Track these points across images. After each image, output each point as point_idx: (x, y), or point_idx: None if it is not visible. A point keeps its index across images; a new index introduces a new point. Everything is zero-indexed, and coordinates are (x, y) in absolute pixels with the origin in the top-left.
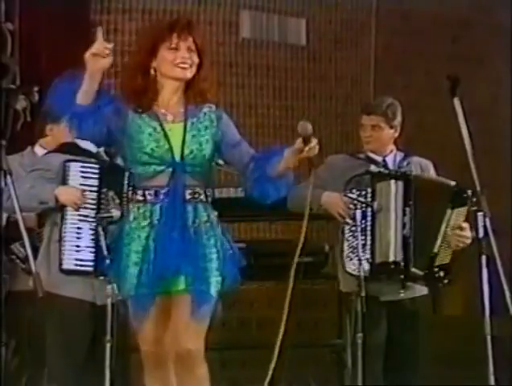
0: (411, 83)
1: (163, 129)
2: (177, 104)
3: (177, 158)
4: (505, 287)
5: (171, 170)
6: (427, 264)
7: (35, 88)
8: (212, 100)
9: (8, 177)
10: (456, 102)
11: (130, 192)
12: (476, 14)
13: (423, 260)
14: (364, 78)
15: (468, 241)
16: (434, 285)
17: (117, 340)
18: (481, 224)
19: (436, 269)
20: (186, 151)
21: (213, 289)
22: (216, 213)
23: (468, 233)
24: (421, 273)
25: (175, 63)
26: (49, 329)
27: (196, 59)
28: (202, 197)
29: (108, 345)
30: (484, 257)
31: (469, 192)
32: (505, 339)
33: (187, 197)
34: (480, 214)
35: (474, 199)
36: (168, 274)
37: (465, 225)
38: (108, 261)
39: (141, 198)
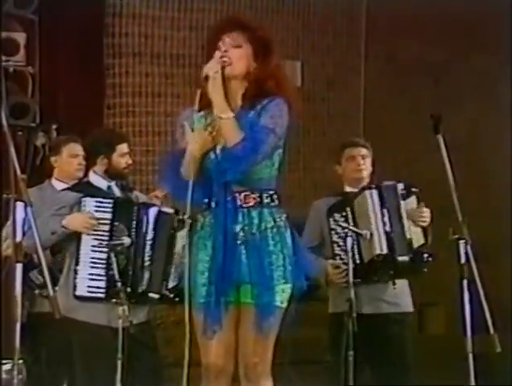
0: (397, 120)
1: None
2: (237, 104)
3: (218, 155)
4: (486, 309)
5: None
6: (407, 249)
7: (54, 126)
8: (275, 92)
9: (28, 209)
10: (440, 139)
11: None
12: (454, 57)
13: (404, 247)
14: (354, 116)
15: (427, 218)
16: (421, 268)
17: None
18: (462, 251)
19: (418, 251)
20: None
21: (279, 299)
22: (284, 216)
23: (426, 213)
24: (406, 258)
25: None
26: (74, 350)
27: (236, 54)
28: (267, 201)
29: (119, 362)
30: (465, 281)
31: (413, 185)
32: (485, 356)
33: (251, 203)
34: (462, 241)
35: (417, 191)
36: (234, 284)
37: (424, 209)
38: (119, 285)
39: (205, 206)
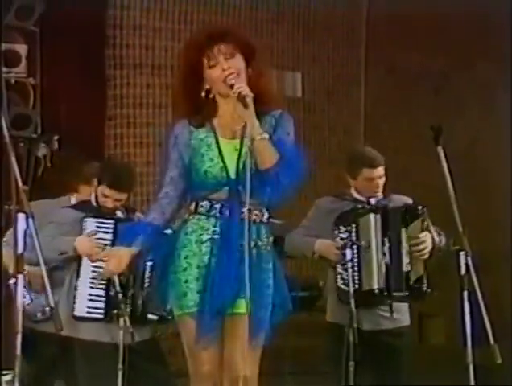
0: (397, 131)
1: (218, 146)
2: (239, 118)
3: (232, 176)
4: (486, 320)
5: (227, 188)
6: (403, 285)
7: (55, 137)
8: (276, 103)
9: (30, 220)
10: (440, 150)
11: (193, 204)
12: (455, 67)
13: (400, 283)
14: (354, 127)
15: (428, 249)
16: (420, 300)
17: None
18: (463, 262)
19: (415, 285)
20: (240, 168)
21: (268, 316)
22: (272, 237)
23: (425, 243)
24: (402, 294)
25: (224, 79)
26: (77, 366)
27: (239, 63)
28: (264, 218)
29: (120, 372)
30: (465, 293)
31: (419, 207)
32: (485, 367)
33: (252, 217)
34: (462, 253)
35: (424, 212)
36: (229, 297)
37: (421, 235)
38: (120, 296)
39: (203, 210)
